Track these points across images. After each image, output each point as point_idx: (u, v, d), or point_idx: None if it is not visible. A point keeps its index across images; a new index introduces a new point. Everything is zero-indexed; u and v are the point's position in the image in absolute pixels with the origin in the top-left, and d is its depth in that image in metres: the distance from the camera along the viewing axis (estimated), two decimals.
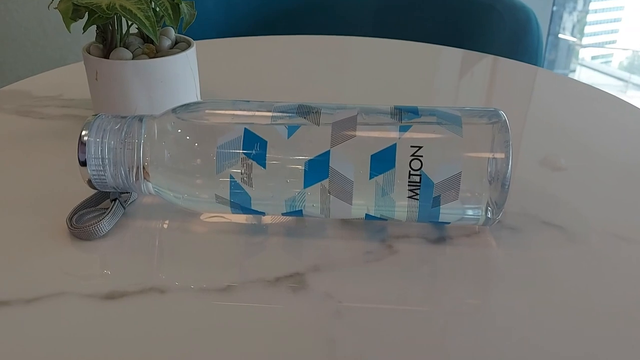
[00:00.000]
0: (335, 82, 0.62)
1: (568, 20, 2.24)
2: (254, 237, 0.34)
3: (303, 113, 0.33)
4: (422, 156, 0.31)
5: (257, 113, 0.33)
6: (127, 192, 0.37)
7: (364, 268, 0.32)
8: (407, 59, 0.72)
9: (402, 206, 0.32)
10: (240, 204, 0.33)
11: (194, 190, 0.33)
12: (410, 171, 0.31)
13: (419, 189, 0.31)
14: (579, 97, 0.59)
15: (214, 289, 0.30)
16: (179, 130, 0.33)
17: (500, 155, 0.31)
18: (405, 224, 0.35)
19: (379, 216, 0.33)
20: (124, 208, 0.36)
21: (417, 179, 0.31)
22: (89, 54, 0.45)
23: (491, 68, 0.69)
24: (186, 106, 0.34)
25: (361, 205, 0.32)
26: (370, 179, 0.31)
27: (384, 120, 0.32)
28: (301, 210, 0.33)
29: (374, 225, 0.35)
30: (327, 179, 0.31)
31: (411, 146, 0.31)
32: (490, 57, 0.71)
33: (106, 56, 0.45)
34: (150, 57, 0.45)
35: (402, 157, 0.31)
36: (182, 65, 0.45)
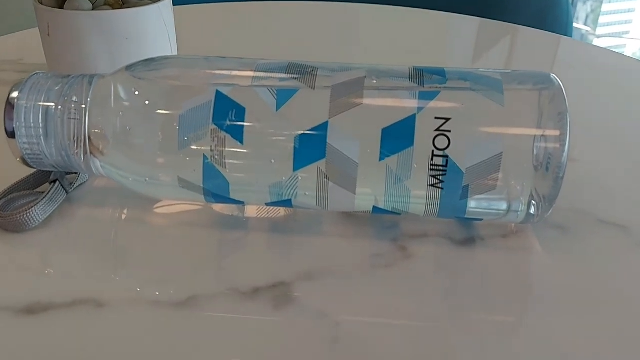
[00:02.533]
0: (338, 53, 0.55)
1: (582, 9, 2.19)
2: (229, 233, 0.28)
3: (294, 73, 0.26)
4: (449, 131, 0.24)
5: (235, 72, 0.26)
6: (73, 173, 0.30)
7: (370, 276, 0.25)
8: (417, 28, 0.65)
9: (420, 197, 0.25)
10: (212, 191, 0.26)
11: (155, 171, 0.26)
12: (433, 151, 0.24)
13: (445, 174, 0.24)
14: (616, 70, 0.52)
15: (169, 301, 0.23)
16: (136, 93, 0.26)
17: (552, 133, 0.24)
18: (423, 220, 0.28)
19: (390, 209, 0.26)
20: (67, 192, 0.29)
21: (442, 161, 0.24)
22: (41, 3, 0.38)
23: (511, 38, 0.62)
24: (146, 63, 0.27)
25: (368, 195, 0.26)
26: (380, 160, 0.24)
27: (400, 85, 0.25)
28: (290, 200, 0.26)
29: (383, 221, 0.28)
30: (324, 160, 0.25)
31: (436, 118, 0.24)
32: (511, 25, 0.64)
33: (61, 6, 0.38)
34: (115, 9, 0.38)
35: (424, 133, 0.24)
36: (154, 20, 0.39)
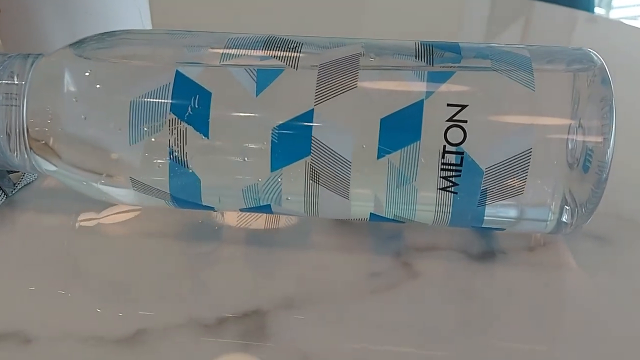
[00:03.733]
0: (334, 27, 0.50)
1: None
2: (196, 245, 0.23)
3: (273, 49, 0.21)
4: (465, 122, 0.19)
5: (203, 49, 0.22)
6: (16, 171, 0.26)
7: (367, 302, 0.21)
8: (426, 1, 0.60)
9: (428, 203, 0.21)
10: (173, 194, 0.22)
11: (105, 171, 0.22)
12: (445, 146, 0.19)
13: (459, 176, 0.20)
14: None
15: (113, 337, 0.19)
16: (86, 74, 0.22)
17: (593, 123, 0.20)
18: (432, 229, 0.24)
19: (391, 217, 0.22)
20: (7, 195, 0.25)
21: (456, 159, 0.20)
22: None
23: (527, 13, 0.57)
24: (99, 38, 0.23)
25: (364, 200, 0.21)
26: (378, 158, 0.20)
27: (404, 64, 0.21)
28: (269, 206, 0.22)
29: (383, 229, 0.24)
30: (309, 157, 0.20)
31: (448, 105, 0.19)
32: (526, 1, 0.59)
33: None
34: None
35: (433, 123, 0.19)
36: None
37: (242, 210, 0.22)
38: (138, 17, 0.35)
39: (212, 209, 0.23)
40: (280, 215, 0.24)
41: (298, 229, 0.24)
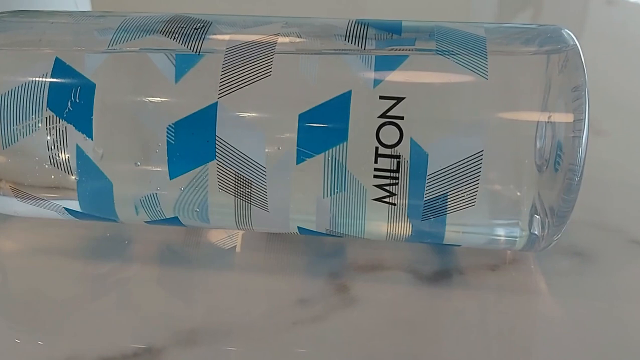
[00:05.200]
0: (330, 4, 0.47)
1: None
2: (96, 265, 0.20)
3: (174, 31, 0.18)
4: (402, 118, 0.16)
5: (92, 34, 0.18)
6: None
7: (287, 335, 0.17)
8: None
9: (362, 215, 0.17)
10: (62, 205, 0.18)
11: None
12: (377, 148, 0.16)
13: (396, 184, 0.16)
14: None
15: None
16: None
17: (564, 118, 0.16)
18: (380, 244, 0.20)
19: (323, 231, 0.18)
20: None
21: (391, 164, 0.16)
22: None
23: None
24: None
25: (287, 211, 0.18)
26: (298, 162, 0.16)
27: (330, 46, 0.17)
28: (177, 218, 0.18)
29: (323, 244, 0.21)
30: (214, 162, 0.17)
31: (381, 97, 0.16)
32: None
33: None
34: None
35: (363, 120, 0.16)
36: None
37: (147, 223, 0.19)
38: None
39: (114, 220, 0.19)
40: (196, 230, 0.21)
41: (222, 244, 0.21)
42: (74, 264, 0.20)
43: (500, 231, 0.18)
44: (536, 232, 0.18)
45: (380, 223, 0.18)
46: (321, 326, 0.17)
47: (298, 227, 0.18)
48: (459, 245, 0.19)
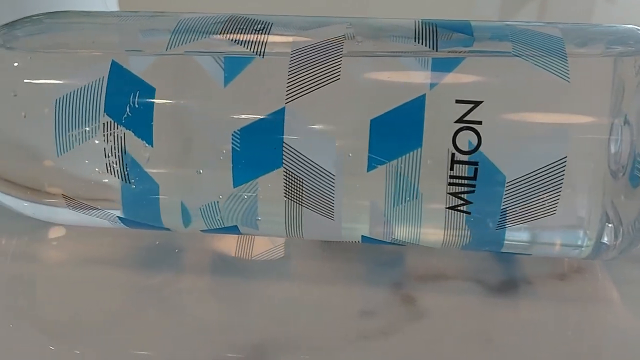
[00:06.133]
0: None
1: None
2: (149, 276, 0.19)
3: (234, 32, 0.17)
4: (479, 123, 0.15)
5: (148, 35, 0.18)
6: None
7: (356, 350, 0.17)
8: None
9: (434, 224, 0.17)
10: (114, 213, 0.18)
11: (34, 185, 0.18)
12: (454, 155, 0.15)
13: (473, 192, 0.16)
14: None
15: None
16: (15, 65, 0.18)
17: None
18: (440, 253, 0.20)
19: (388, 240, 0.18)
20: None
21: (468, 170, 0.15)
22: None
23: None
24: (22, 22, 0.19)
25: (353, 219, 0.17)
26: (369, 169, 0.16)
27: (400, 48, 0.16)
28: (236, 227, 0.18)
29: (380, 253, 0.20)
30: (280, 169, 0.16)
31: (458, 101, 0.15)
32: None
33: None
34: None
35: (438, 125, 0.15)
36: None
37: (203, 231, 0.19)
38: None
39: (167, 229, 0.19)
40: (251, 238, 0.20)
41: (276, 253, 0.20)
42: (124, 274, 0.19)
43: (568, 239, 0.17)
44: (606, 241, 0.17)
45: (450, 231, 0.17)
46: (391, 340, 0.17)
47: (362, 235, 0.18)
48: (526, 254, 0.18)
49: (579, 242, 0.17)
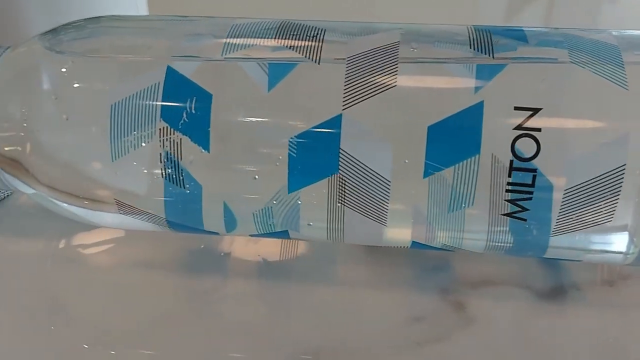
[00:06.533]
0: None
1: None
2: (197, 280, 0.19)
3: (288, 37, 0.17)
4: (539, 130, 0.15)
5: (200, 40, 0.18)
6: None
7: (417, 357, 0.17)
8: None
9: (487, 230, 0.17)
10: (167, 218, 0.18)
11: (85, 192, 0.18)
12: (512, 162, 0.15)
13: (530, 199, 0.16)
14: None
15: None
16: (63, 70, 0.18)
17: None
18: (484, 258, 0.20)
19: (438, 246, 0.18)
20: None
21: (526, 178, 0.16)
22: None
23: None
24: (75, 27, 0.19)
25: (405, 225, 0.17)
26: (425, 176, 0.16)
27: (456, 55, 0.16)
28: (286, 232, 0.18)
29: (424, 258, 0.20)
30: (336, 175, 0.16)
31: (516, 108, 0.15)
32: None
33: None
34: None
35: (497, 132, 0.15)
36: None
37: (252, 236, 0.19)
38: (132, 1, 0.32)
39: (215, 233, 0.19)
40: (296, 241, 0.21)
41: (321, 258, 0.20)
42: (171, 278, 0.19)
43: (616, 246, 0.17)
44: None
45: (501, 237, 0.17)
46: (443, 346, 0.17)
47: (412, 241, 0.18)
48: (570, 260, 0.18)
49: (626, 249, 0.17)
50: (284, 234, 0.18)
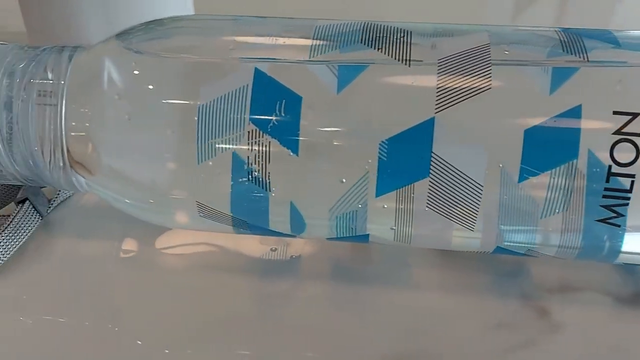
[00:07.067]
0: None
1: None
2: (270, 283, 0.19)
3: (375, 40, 0.17)
4: (638, 135, 0.15)
5: (281, 41, 0.18)
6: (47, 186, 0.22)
7: None
8: None
9: (580, 236, 0.16)
10: (248, 221, 0.18)
11: (162, 193, 0.18)
12: (611, 167, 0.15)
13: (627, 204, 0.15)
14: None
15: None
16: (135, 72, 0.18)
17: None
18: (560, 263, 0.19)
19: (522, 252, 0.18)
20: (42, 216, 0.21)
21: (624, 183, 0.15)
22: None
23: None
24: (147, 28, 0.19)
25: (492, 231, 0.17)
26: (520, 181, 0.16)
27: (551, 57, 0.16)
28: (367, 236, 0.18)
29: (499, 262, 0.20)
30: (426, 180, 0.16)
31: (615, 113, 0.15)
32: None
33: None
34: None
35: (595, 137, 0.15)
36: None
37: (330, 239, 0.19)
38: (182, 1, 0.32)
39: (292, 235, 0.19)
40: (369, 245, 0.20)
41: (393, 260, 0.20)
42: (245, 281, 0.19)
43: None
44: None
45: (586, 242, 0.17)
46: (533, 353, 0.17)
47: (497, 246, 0.17)
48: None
49: None
50: (363, 238, 0.18)
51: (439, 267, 0.20)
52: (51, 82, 0.18)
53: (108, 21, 0.29)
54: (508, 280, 0.19)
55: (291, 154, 0.16)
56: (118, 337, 0.18)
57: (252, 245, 0.20)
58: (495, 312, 0.18)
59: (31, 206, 0.21)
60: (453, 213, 0.16)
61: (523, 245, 0.17)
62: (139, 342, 0.17)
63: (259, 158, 0.16)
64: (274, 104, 0.16)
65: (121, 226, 0.21)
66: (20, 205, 0.21)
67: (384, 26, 0.17)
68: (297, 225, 0.18)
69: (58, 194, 0.22)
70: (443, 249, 0.19)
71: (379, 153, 0.16)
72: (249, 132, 0.16)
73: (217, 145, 0.17)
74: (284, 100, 0.16)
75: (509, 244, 0.17)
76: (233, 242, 0.20)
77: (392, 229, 0.17)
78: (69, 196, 0.23)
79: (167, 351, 0.17)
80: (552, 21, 0.42)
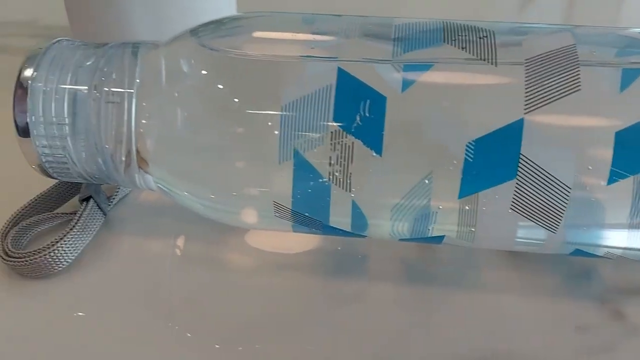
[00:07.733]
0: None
1: None
2: (340, 283, 0.19)
3: (457, 39, 0.17)
4: None
5: (358, 40, 0.17)
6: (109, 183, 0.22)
7: None
8: None
9: None
10: (323, 222, 0.18)
11: (235, 191, 0.18)
12: None
13: None
14: None
15: None
16: (204, 72, 0.18)
17: None
18: (624, 264, 0.19)
19: (601, 254, 0.17)
20: (105, 214, 0.21)
21: None
22: None
23: None
24: (217, 24, 0.19)
25: (576, 234, 0.17)
26: (608, 183, 0.16)
27: (629, 59, 0.16)
28: (442, 237, 0.18)
29: (568, 264, 0.20)
30: (513, 182, 0.16)
31: None
32: None
33: None
34: None
35: None
36: None
37: (402, 240, 0.18)
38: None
39: (363, 236, 0.19)
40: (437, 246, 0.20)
41: (461, 261, 0.20)
42: (314, 280, 0.19)
43: None
44: None
45: None
46: (613, 357, 0.17)
47: (576, 249, 0.17)
48: None
49: None
50: (437, 239, 0.18)
51: (508, 269, 0.20)
52: (121, 80, 0.18)
53: (157, 21, 0.29)
54: (579, 282, 0.19)
55: (374, 154, 0.16)
56: (183, 335, 0.17)
57: (319, 243, 0.20)
58: (571, 314, 0.18)
59: (95, 204, 0.21)
60: (538, 215, 0.16)
61: (603, 247, 0.17)
62: (216, 345, 0.17)
63: (341, 158, 0.16)
64: (358, 105, 0.16)
65: (179, 223, 0.21)
66: (83, 203, 0.21)
67: (465, 25, 0.17)
68: (375, 225, 0.18)
69: (117, 192, 0.22)
70: (521, 251, 0.19)
71: (466, 154, 0.16)
72: (332, 132, 0.16)
73: (299, 145, 0.16)
74: (368, 101, 0.16)
75: (589, 246, 0.17)
76: (300, 239, 0.20)
77: (472, 230, 0.17)
78: (127, 194, 0.23)
79: (240, 348, 0.17)
80: (558, 17, 0.42)
